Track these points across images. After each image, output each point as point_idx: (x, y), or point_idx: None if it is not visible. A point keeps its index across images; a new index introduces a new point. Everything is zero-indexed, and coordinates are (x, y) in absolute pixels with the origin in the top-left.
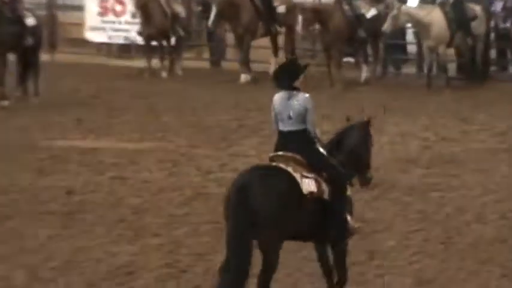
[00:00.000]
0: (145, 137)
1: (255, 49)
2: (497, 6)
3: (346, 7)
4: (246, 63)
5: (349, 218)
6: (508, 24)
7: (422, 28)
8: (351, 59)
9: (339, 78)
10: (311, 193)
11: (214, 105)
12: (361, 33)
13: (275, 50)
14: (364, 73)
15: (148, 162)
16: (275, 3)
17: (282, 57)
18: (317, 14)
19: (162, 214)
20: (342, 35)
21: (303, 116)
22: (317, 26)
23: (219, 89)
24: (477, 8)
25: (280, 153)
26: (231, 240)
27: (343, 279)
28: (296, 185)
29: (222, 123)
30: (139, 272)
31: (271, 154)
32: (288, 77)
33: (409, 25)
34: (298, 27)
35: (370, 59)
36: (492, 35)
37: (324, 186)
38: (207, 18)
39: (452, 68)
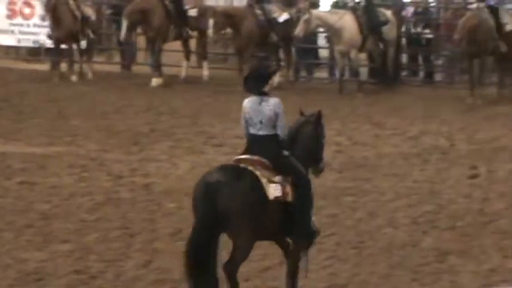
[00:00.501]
0: (55, 142)
1: (167, 53)
2: (409, 11)
3: (258, 11)
4: (157, 66)
5: (313, 219)
6: (419, 29)
7: (334, 33)
8: None
9: None
10: (276, 198)
11: (125, 109)
12: (273, 37)
13: (187, 53)
14: (277, 77)
15: (57, 167)
16: (186, 7)
17: (193, 60)
18: (229, 18)
19: (72, 220)
20: (254, 39)
21: (273, 121)
22: (229, 30)
23: (130, 92)
24: (388, 13)
25: (245, 156)
26: (196, 238)
27: (295, 273)
28: (261, 189)
29: (133, 127)
30: (48, 279)
31: (237, 157)
32: (257, 82)
33: (321, 29)
34: (210, 31)
35: (283, 63)
36: (403, 40)
37: (289, 190)
38: (118, 21)
39: (364, 72)
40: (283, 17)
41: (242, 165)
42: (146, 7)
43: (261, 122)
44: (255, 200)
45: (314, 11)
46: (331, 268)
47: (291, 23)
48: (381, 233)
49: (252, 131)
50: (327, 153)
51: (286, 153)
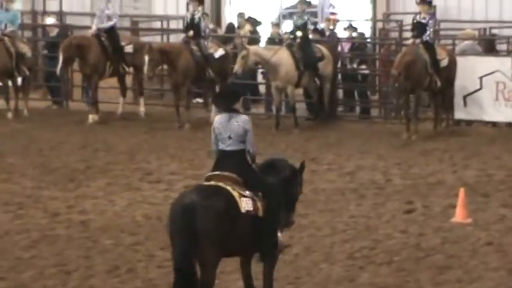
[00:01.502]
0: None
1: (103, 89)
2: (345, 47)
3: (194, 47)
4: (93, 103)
5: (279, 234)
6: (354, 65)
7: (270, 68)
8: (199, 100)
9: (188, 118)
10: (248, 211)
11: (61, 146)
12: (210, 73)
13: (123, 90)
14: (213, 113)
15: None
16: (123, 43)
17: (130, 97)
18: (164, 55)
19: (8, 257)
20: (190, 75)
21: (242, 137)
22: (165, 66)
23: (66, 129)
24: (324, 49)
25: (216, 172)
26: (177, 260)
27: None
28: (235, 204)
29: (69, 164)
30: None
31: (209, 173)
32: (227, 100)
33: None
34: (145, 68)
35: None
36: (339, 76)
37: (259, 205)
38: (53, 58)
39: (300, 108)
40: (219, 52)
41: (213, 182)
42: (82, 43)
43: (229, 138)
44: (229, 215)
45: (251, 47)
46: None
47: (227, 59)
48: (317, 269)
49: (221, 146)
50: None
51: (255, 169)
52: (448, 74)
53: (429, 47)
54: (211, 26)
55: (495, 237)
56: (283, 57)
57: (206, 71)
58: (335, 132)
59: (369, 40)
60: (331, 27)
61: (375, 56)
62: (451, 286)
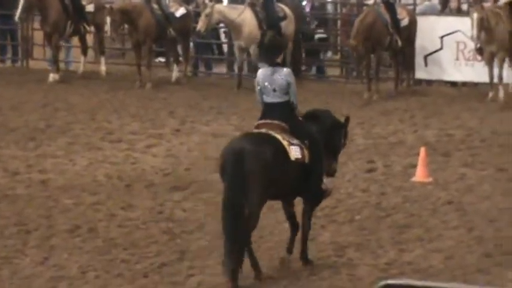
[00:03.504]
0: None
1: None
2: (306, 7)
3: (155, 6)
4: (54, 62)
5: (325, 180)
6: (313, 26)
7: (233, 28)
8: (161, 59)
9: (150, 77)
10: (297, 159)
11: (22, 105)
12: (171, 32)
13: (84, 49)
14: (175, 73)
15: None
16: (83, 2)
17: (91, 56)
18: (125, 15)
19: None
20: (151, 34)
21: (285, 89)
22: (126, 26)
23: (27, 88)
24: (286, 8)
25: (267, 120)
26: (226, 199)
27: (306, 234)
28: (284, 152)
29: (30, 123)
30: None
31: (258, 122)
32: (270, 53)
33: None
34: (107, 28)
35: (181, 58)
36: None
37: (306, 152)
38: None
39: None
40: (180, 11)
41: (263, 130)
42: (43, 0)
43: (274, 90)
44: (279, 161)
45: (216, 5)
46: None
47: (188, 18)
48: (280, 227)
49: (266, 99)
50: None
51: (300, 119)
52: (409, 34)
53: (390, 6)
54: None
55: (455, 196)
56: (247, 17)
57: (167, 30)
58: (298, 92)
59: (330, 0)
60: None
61: (337, 15)
62: (411, 245)
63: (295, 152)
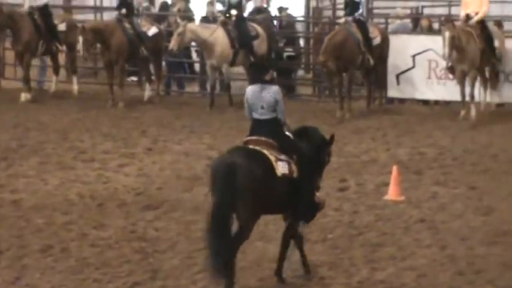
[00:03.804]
0: None
1: (36, 67)
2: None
3: (127, 25)
4: (26, 81)
5: (317, 193)
6: (281, 44)
7: (205, 47)
8: (133, 78)
9: (122, 96)
10: (283, 174)
11: None
12: (143, 51)
13: (56, 68)
14: (148, 92)
15: None
16: (55, 21)
17: (63, 75)
18: (97, 34)
19: None
20: (124, 53)
21: (273, 106)
22: (98, 45)
23: None
24: (258, 27)
25: (254, 137)
26: (213, 211)
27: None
28: (271, 167)
29: (1, 142)
30: None
31: (246, 138)
32: (259, 72)
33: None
34: (80, 48)
35: (153, 77)
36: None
37: (294, 167)
38: None
39: (235, 86)
40: (152, 30)
41: (251, 146)
42: (15, 18)
43: (262, 107)
44: (266, 177)
45: (188, 24)
46: (202, 282)
47: (160, 37)
48: (252, 247)
49: (255, 115)
50: (198, 168)
51: (288, 133)
52: (381, 53)
53: (361, 25)
54: (144, 4)
55: (427, 215)
56: (219, 36)
57: (140, 49)
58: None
59: (301, 19)
60: (265, 5)
61: (309, 34)
62: (384, 263)
63: (282, 168)
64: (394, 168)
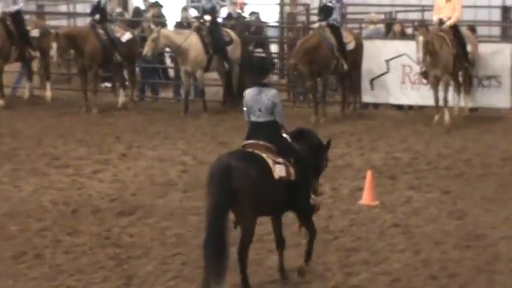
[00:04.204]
0: None
1: (9, 74)
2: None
3: (100, 31)
4: None
5: (312, 196)
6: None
7: (180, 53)
8: (107, 84)
9: (96, 102)
10: (281, 177)
11: None
12: (117, 57)
13: (29, 74)
14: (122, 98)
15: None
16: (28, 27)
17: (36, 81)
18: (71, 40)
19: None
20: (97, 59)
21: (271, 109)
22: (72, 51)
23: None
24: (232, 33)
25: (252, 141)
26: (211, 215)
27: (312, 240)
28: (269, 170)
29: None
30: None
31: (244, 142)
32: (257, 74)
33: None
34: (53, 54)
35: (127, 83)
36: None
37: (291, 170)
38: None
39: (209, 92)
40: (126, 36)
41: (249, 149)
42: None
43: (260, 110)
44: (263, 180)
45: (162, 30)
46: None
47: (134, 43)
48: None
49: (253, 118)
50: (173, 173)
51: (286, 136)
52: (355, 58)
53: (335, 30)
54: (117, 9)
55: (401, 219)
56: (193, 42)
57: (113, 55)
58: (243, 116)
59: (276, 24)
60: (239, 10)
61: (283, 39)
62: (358, 268)
63: (279, 171)
64: (369, 173)
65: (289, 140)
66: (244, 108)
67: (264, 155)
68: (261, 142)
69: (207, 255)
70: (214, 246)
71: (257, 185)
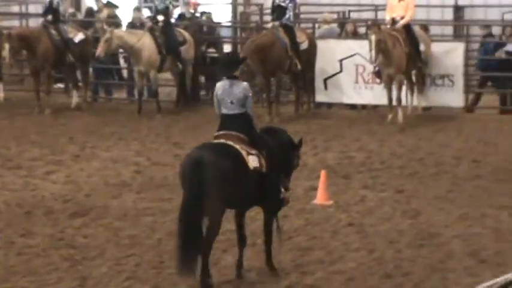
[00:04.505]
0: None
1: None
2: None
3: (53, 31)
4: None
5: (282, 189)
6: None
7: (133, 53)
8: (60, 85)
9: (49, 103)
10: (255, 168)
11: None
12: (70, 58)
13: None
14: (75, 98)
15: None
16: None
17: None
18: (24, 41)
19: None
20: (50, 59)
21: (242, 101)
22: (24, 52)
23: None
24: (185, 33)
25: (223, 132)
26: (182, 209)
27: (269, 242)
28: (243, 161)
29: None
30: None
31: (216, 133)
32: (228, 67)
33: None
34: (6, 55)
35: (80, 83)
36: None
37: (263, 162)
38: None
39: (163, 92)
40: (78, 37)
41: (222, 140)
42: None
43: (231, 103)
44: (237, 171)
45: (115, 31)
46: None
47: (87, 43)
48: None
49: (224, 110)
50: (126, 174)
51: (257, 130)
52: (309, 57)
53: (289, 30)
54: (70, 10)
55: (356, 218)
56: (146, 42)
57: (66, 56)
58: (197, 116)
59: (229, 24)
60: (192, 11)
61: (236, 39)
62: (313, 267)
63: (253, 161)
64: (323, 173)
65: (260, 132)
66: (215, 101)
67: (237, 146)
68: (233, 132)
69: (180, 246)
70: (187, 236)
71: (229, 177)
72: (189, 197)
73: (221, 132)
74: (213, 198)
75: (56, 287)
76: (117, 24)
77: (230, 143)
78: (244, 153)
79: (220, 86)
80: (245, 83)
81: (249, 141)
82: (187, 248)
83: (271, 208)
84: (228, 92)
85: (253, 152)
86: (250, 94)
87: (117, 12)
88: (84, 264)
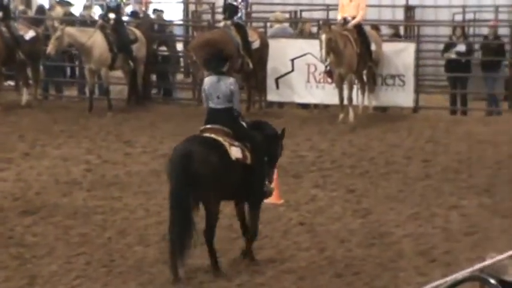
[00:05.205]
0: None
1: None
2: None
3: (3, 29)
4: None
5: (266, 181)
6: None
7: (84, 51)
8: (10, 82)
9: None
10: (238, 159)
11: None
12: (20, 55)
13: None
14: (25, 96)
15: None
16: None
17: None
18: None
19: None
20: (0, 57)
21: (229, 97)
22: None
23: None
24: (137, 31)
25: (209, 126)
26: (173, 201)
27: (254, 233)
28: (225, 152)
29: None
30: None
31: (202, 127)
32: (216, 63)
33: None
34: None
35: (30, 81)
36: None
37: (247, 154)
38: None
39: (114, 90)
40: (29, 34)
41: (206, 134)
42: None
43: (218, 97)
44: (221, 162)
45: (66, 29)
46: (81, 287)
47: (38, 41)
48: (131, 251)
49: (211, 104)
50: (77, 172)
51: (242, 123)
52: (260, 56)
53: (241, 29)
54: (21, 7)
55: (306, 218)
56: (97, 40)
57: (16, 53)
58: (149, 115)
59: (181, 22)
60: (144, 9)
61: (188, 38)
62: (264, 266)
63: (235, 152)
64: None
65: (245, 126)
66: (203, 95)
67: (220, 138)
68: (218, 126)
69: (172, 237)
70: (179, 228)
71: (216, 168)
72: (176, 190)
73: (207, 126)
74: (205, 189)
75: (4, 285)
76: (71, 22)
77: (214, 136)
78: (227, 144)
79: (208, 81)
80: (232, 79)
81: (233, 134)
82: (179, 237)
83: (254, 201)
84: (215, 87)
85: (237, 144)
86: (237, 89)
87: (73, 10)
88: (34, 263)
